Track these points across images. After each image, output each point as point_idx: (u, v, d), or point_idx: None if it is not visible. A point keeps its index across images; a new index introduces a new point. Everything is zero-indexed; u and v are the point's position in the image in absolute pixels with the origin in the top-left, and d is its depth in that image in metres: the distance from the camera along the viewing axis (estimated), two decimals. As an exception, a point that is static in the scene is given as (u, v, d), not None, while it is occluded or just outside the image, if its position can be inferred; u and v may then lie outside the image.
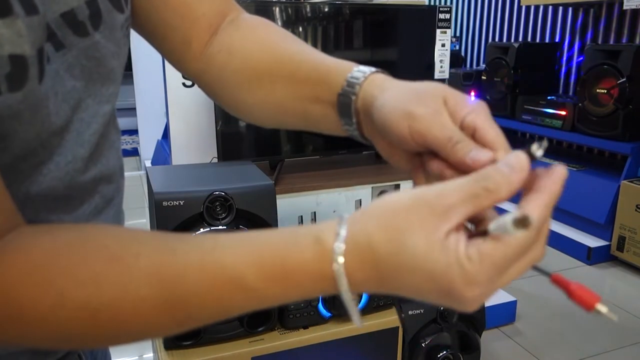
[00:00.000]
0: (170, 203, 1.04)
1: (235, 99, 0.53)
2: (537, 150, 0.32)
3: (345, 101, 0.44)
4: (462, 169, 0.36)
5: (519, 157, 0.32)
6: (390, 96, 0.40)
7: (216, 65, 0.53)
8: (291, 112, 0.50)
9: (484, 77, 3.47)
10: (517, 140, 3.69)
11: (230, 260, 0.35)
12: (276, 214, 1.13)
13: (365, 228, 0.33)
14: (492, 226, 0.31)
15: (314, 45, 1.69)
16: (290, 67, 0.49)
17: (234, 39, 0.53)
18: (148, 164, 3.89)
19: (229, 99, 0.54)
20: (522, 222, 0.30)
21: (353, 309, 0.34)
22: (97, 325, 0.35)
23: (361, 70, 0.44)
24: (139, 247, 0.36)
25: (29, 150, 0.38)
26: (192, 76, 0.56)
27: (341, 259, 0.32)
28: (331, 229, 0.34)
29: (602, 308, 0.34)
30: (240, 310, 0.37)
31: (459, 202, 0.31)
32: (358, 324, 0.35)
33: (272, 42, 0.52)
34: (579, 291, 0.33)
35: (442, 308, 1.36)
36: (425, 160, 0.39)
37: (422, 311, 1.35)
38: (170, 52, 0.54)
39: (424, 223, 0.31)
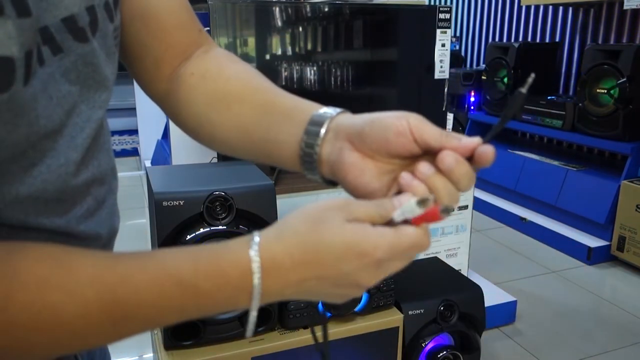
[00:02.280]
0: (170, 203, 1.04)
1: (200, 119, 0.55)
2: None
3: (321, 118, 0.47)
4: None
5: (407, 199, 0.41)
6: (374, 114, 0.46)
7: (186, 87, 0.55)
8: (249, 135, 0.52)
9: (484, 77, 3.47)
10: (517, 140, 3.69)
11: (169, 259, 0.39)
12: (276, 214, 1.13)
13: (290, 221, 0.41)
14: (396, 214, 0.40)
15: (314, 45, 1.69)
16: (265, 99, 0.52)
17: (211, 65, 0.56)
18: (148, 164, 3.90)
19: (193, 119, 0.56)
20: (424, 202, 0.40)
21: (256, 303, 0.39)
22: (39, 328, 0.35)
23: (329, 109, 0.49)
24: (81, 257, 0.38)
25: (17, 152, 0.38)
26: (158, 95, 0.58)
27: (257, 238, 0.40)
28: (257, 233, 0.41)
29: (445, 211, 0.41)
30: (177, 314, 0.40)
31: (362, 210, 0.40)
32: (249, 332, 0.41)
33: (249, 77, 0.55)
34: (421, 218, 0.41)
35: (442, 308, 1.36)
36: (400, 173, 0.44)
37: (422, 311, 1.35)
38: (141, 72, 0.57)
39: (337, 215, 0.40)
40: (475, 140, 0.43)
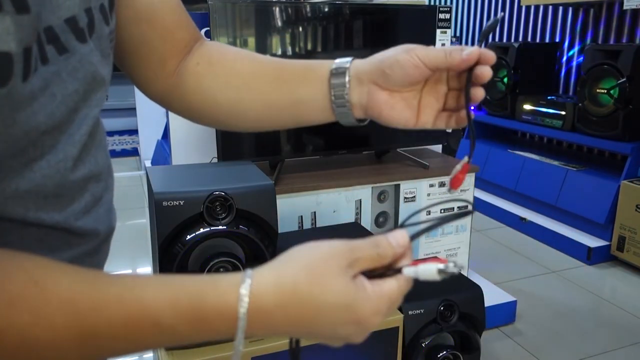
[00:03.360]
0: (170, 203, 1.04)
1: (216, 102, 0.58)
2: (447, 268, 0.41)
3: (340, 70, 0.53)
4: (459, 69, 0.50)
5: (402, 235, 0.42)
6: (384, 55, 0.51)
7: (193, 76, 0.58)
8: (276, 103, 0.56)
9: (484, 77, 3.46)
10: (517, 140, 3.69)
11: (149, 297, 0.37)
12: (276, 214, 1.13)
13: (290, 270, 0.39)
14: (410, 271, 0.41)
15: (314, 45, 1.69)
16: (275, 69, 0.57)
17: (212, 52, 0.60)
18: (148, 164, 3.90)
19: (208, 105, 0.59)
20: (444, 272, 0.40)
21: (238, 351, 0.38)
22: (2, 347, 0.34)
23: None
24: (58, 275, 0.37)
25: (18, 148, 0.38)
26: (161, 92, 0.60)
27: (248, 287, 0.38)
28: (247, 275, 0.39)
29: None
30: (151, 346, 0.39)
31: (362, 258, 0.41)
32: None
33: (250, 55, 0.60)
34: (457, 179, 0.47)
35: (442, 308, 1.36)
36: (428, 89, 0.52)
37: (422, 311, 1.35)
38: (143, 72, 0.59)
39: (340, 269, 0.39)
40: (474, 48, 0.48)
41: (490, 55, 0.48)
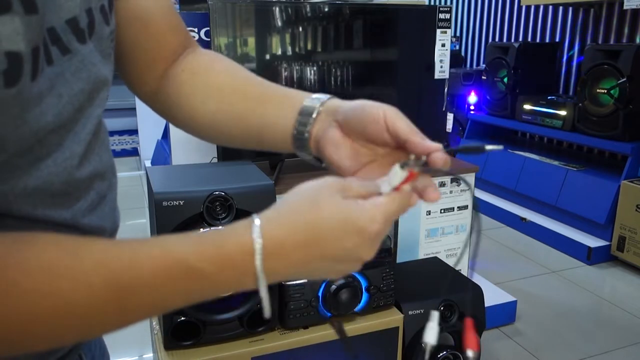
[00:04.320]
0: (170, 203, 1.04)
1: (192, 111, 0.59)
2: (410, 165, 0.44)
3: (311, 105, 0.53)
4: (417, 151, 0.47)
5: (398, 172, 0.44)
6: (360, 101, 0.50)
7: (176, 83, 0.59)
8: (245, 122, 0.56)
9: (484, 77, 3.47)
10: (517, 140, 3.69)
11: (175, 244, 0.40)
12: (276, 214, 1.13)
13: (288, 201, 0.43)
14: (384, 186, 0.44)
15: (314, 45, 1.69)
16: (256, 90, 0.58)
17: (199, 62, 0.61)
18: (148, 164, 3.90)
19: (185, 112, 0.59)
20: (406, 164, 0.44)
21: (262, 283, 0.41)
22: (43, 315, 0.36)
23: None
24: (88, 243, 0.40)
25: (25, 147, 0.39)
26: (147, 94, 0.62)
27: (258, 221, 0.41)
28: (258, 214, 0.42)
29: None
30: (183, 298, 0.41)
31: (351, 186, 0.43)
32: (267, 312, 0.42)
33: (238, 71, 0.60)
34: (404, 181, 0.44)
35: (442, 308, 1.36)
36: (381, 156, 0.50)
37: (422, 311, 1.35)
38: (132, 72, 0.60)
39: (332, 193, 0.42)
40: (435, 145, 0.46)
41: (442, 162, 0.44)
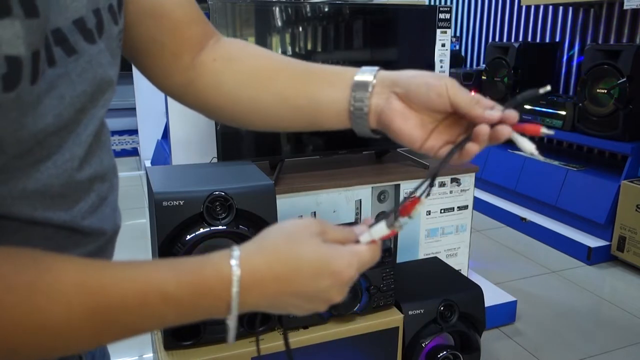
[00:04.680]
0: (170, 203, 1.04)
1: (234, 98, 0.58)
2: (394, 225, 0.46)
3: (364, 79, 0.52)
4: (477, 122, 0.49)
5: (366, 229, 0.47)
6: (415, 73, 0.51)
7: (211, 72, 0.58)
8: (295, 103, 0.56)
9: (484, 77, 3.47)
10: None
11: (153, 270, 0.41)
12: (276, 214, 1.13)
13: (270, 237, 0.45)
14: (364, 237, 0.47)
15: (314, 45, 1.69)
16: (298, 69, 0.57)
17: (231, 49, 0.60)
18: (148, 164, 3.90)
19: (225, 100, 0.58)
20: (393, 225, 0.46)
21: (234, 313, 0.43)
22: (25, 330, 0.36)
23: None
24: (67, 262, 0.40)
25: (25, 149, 0.39)
26: (176, 87, 0.60)
27: (237, 252, 0.42)
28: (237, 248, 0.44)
29: (546, 130, 0.47)
30: (158, 322, 0.42)
31: (331, 230, 0.46)
32: (231, 339, 0.44)
33: (272, 53, 0.60)
34: (524, 127, 0.47)
35: (442, 308, 1.36)
36: (443, 126, 0.51)
37: (422, 311, 1.35)
38: (155, 67, 0.59)
39: (312, 235, 0.44)
40: (497, 114, 0.47)
41: (513, 116, 0.48)
